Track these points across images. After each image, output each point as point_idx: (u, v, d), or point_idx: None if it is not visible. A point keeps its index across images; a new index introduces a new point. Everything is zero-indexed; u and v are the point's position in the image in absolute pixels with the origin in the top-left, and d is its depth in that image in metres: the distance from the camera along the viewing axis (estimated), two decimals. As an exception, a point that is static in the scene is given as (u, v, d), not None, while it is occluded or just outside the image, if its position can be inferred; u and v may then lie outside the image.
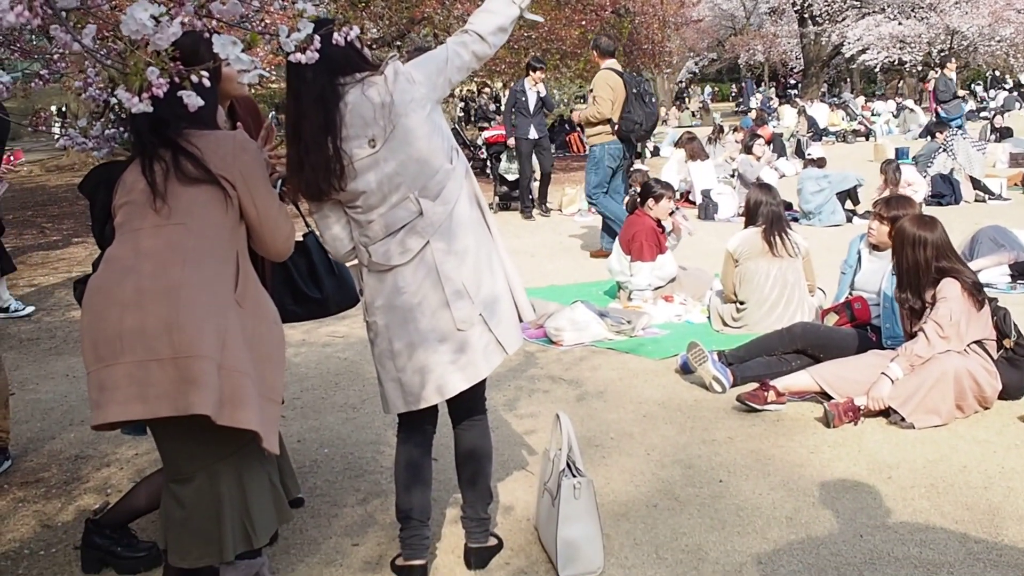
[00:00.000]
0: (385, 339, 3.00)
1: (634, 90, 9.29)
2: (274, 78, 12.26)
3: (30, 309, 7.66)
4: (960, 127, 16.45)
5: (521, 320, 3.14)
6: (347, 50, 2.75)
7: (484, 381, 3.12)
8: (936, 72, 31.81)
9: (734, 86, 48.48)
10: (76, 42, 1.47)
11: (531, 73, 12.34)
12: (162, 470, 3.19)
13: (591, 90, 9.82)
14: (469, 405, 3.17)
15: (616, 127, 9.30)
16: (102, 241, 3.01)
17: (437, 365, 2.96)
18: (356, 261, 3.07)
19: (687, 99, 39.89)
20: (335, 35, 2.43)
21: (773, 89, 38.57)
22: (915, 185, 11.27)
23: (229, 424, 2.58)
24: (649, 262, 7.07)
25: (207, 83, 1.87)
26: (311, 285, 3.46)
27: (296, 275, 3.44)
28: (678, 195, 11.81)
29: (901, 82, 37.53)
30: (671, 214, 7.48)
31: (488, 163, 14.00)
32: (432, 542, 3.31)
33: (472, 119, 23.65)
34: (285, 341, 2.90)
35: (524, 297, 3.15)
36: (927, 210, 9.33)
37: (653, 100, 9.68)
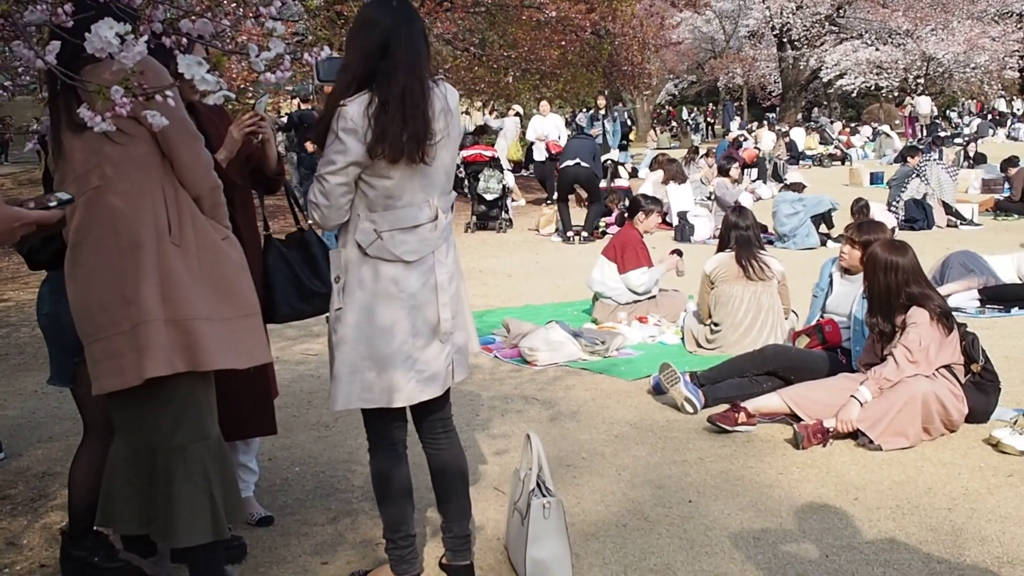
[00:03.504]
0: (360, 330, 2.92)
1: None
2: (251, 93, 12.27)
3: None
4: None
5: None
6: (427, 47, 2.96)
7: (448, 396, 3.14)
8: (912, 98, 32.23)
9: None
10: (40, 59, 1.48)
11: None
12: (76, 462, 3.19)
13: None
14: (437, 417, 3.15)
15: None
16: None
17: (406, 370, 2.94)
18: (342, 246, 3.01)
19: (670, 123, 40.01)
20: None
21: (737, 117, 37.96)
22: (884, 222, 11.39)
23: (189, 369, 2.60)
24: (647, 267, 7.27)
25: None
26: (314, 279, 3.55)
27: (299, 272, 3.54)
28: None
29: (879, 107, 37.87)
30: (672, 252, 7.65)
31: (467, 182, 13.99)
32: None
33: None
34: (242, 252, 2.84)
35: (475, 329, 3.25)
36: (899, 234, 9.42)
37: None
